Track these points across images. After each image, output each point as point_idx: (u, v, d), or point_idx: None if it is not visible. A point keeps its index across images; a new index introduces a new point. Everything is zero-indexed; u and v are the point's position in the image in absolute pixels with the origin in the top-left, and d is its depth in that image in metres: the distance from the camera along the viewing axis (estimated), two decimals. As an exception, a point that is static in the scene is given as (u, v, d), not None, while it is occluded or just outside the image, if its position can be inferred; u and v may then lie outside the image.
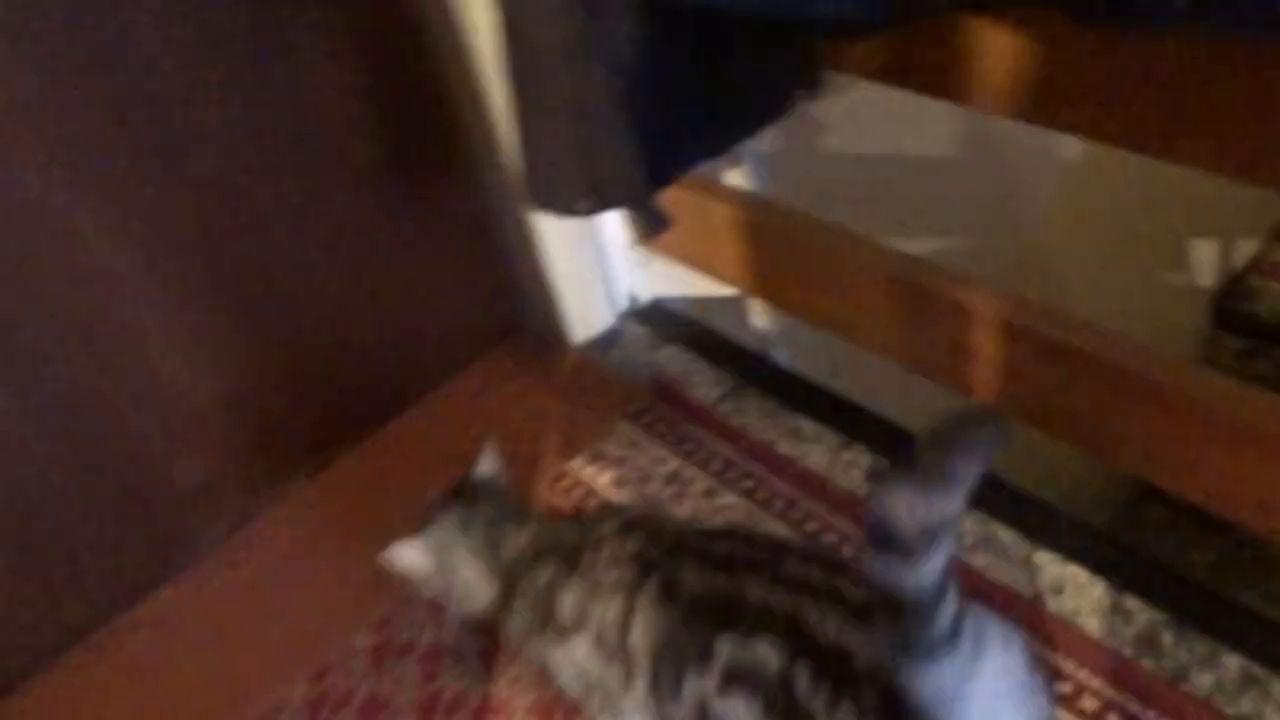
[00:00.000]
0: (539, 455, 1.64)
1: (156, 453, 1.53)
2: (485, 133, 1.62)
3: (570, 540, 1.10)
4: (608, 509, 1.25)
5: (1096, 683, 1.18)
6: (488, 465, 1.26)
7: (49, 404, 1.40)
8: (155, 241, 1.42)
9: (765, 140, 1.51)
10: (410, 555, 1.20)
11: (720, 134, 1.32)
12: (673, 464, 1.57)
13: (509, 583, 1.14)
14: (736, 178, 1.69)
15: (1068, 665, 1.20)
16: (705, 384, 1.69)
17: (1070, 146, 2.38)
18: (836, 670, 0.87)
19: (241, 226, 1.50)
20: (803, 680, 0.88)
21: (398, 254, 1.69)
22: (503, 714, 1.31)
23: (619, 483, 1.56)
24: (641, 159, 1.15)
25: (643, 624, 0.98)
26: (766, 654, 0.90)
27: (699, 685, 0.94)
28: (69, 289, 1.36)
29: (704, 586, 0.96)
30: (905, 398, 1.57)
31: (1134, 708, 1.16)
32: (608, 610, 1.01)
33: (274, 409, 1.63)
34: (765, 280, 1.56)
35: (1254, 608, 1.23)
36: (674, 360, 1.75)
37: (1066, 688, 1.18)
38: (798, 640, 0.89)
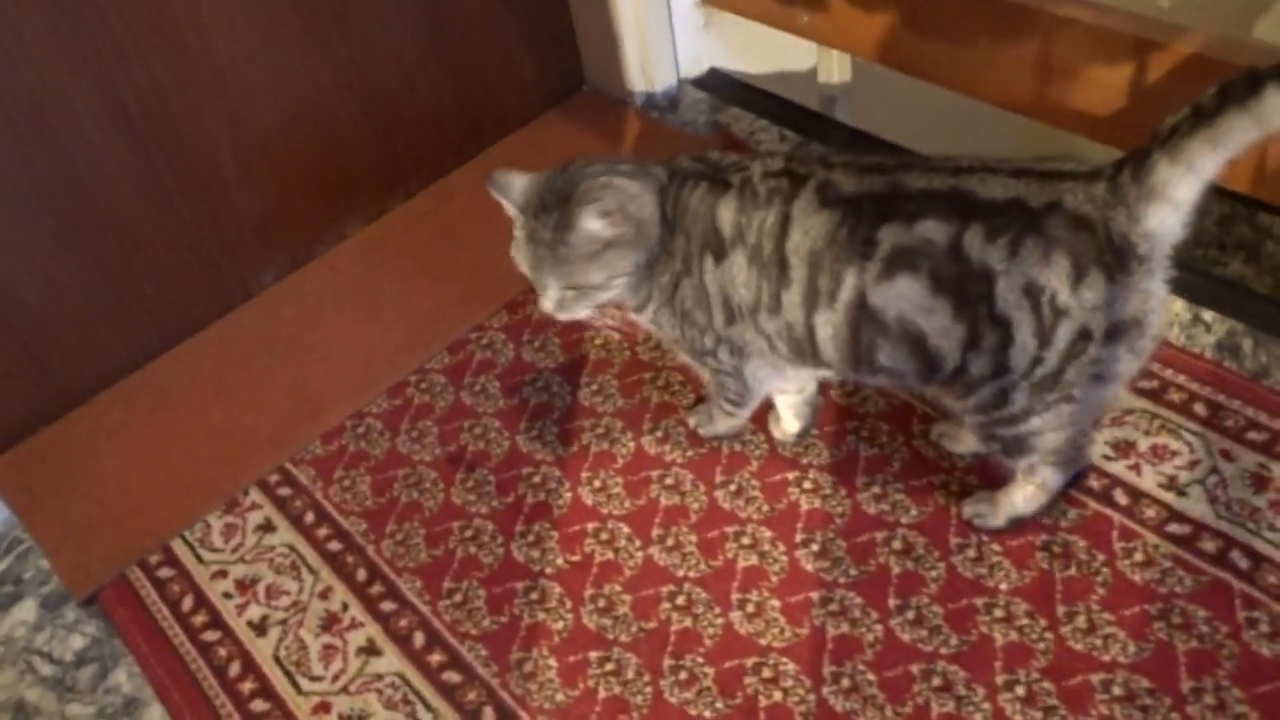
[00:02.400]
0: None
1: (223, 173, 1.50)
2: None
3: (707, 169, 1.08)
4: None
5: (1181, 379, 1.23)
6: None
7: (128, 103, 1.36)
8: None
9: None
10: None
11: None
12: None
13: (670, 220, 1.08)
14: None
15: (1152, 366, 1.24)
16: (771, 140, 1.69)
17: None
18: (1013, 221, 0.91)
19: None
20: (975, 242, 0.91)
21: (470, 4, 1.65)
22: (590, 418, 1.34)
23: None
24: None
25: (800, 229, 0.99)
26: (932, 231, 0.93)
27: (857, 280, 0.96)
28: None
29: (860, 187, 0.98)
30: (966, 144, 1.58)
31: (1219, 399, 1.21)
32: (766, 218, 1.01)
33: (336, 145, 1.61)
34: (850, 30, 1.55)
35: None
36: (737, 121, 1.74)
37: (1153, 384, 1.23)
38: (965, 210, 0.92)
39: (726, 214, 1.03)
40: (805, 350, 1.05)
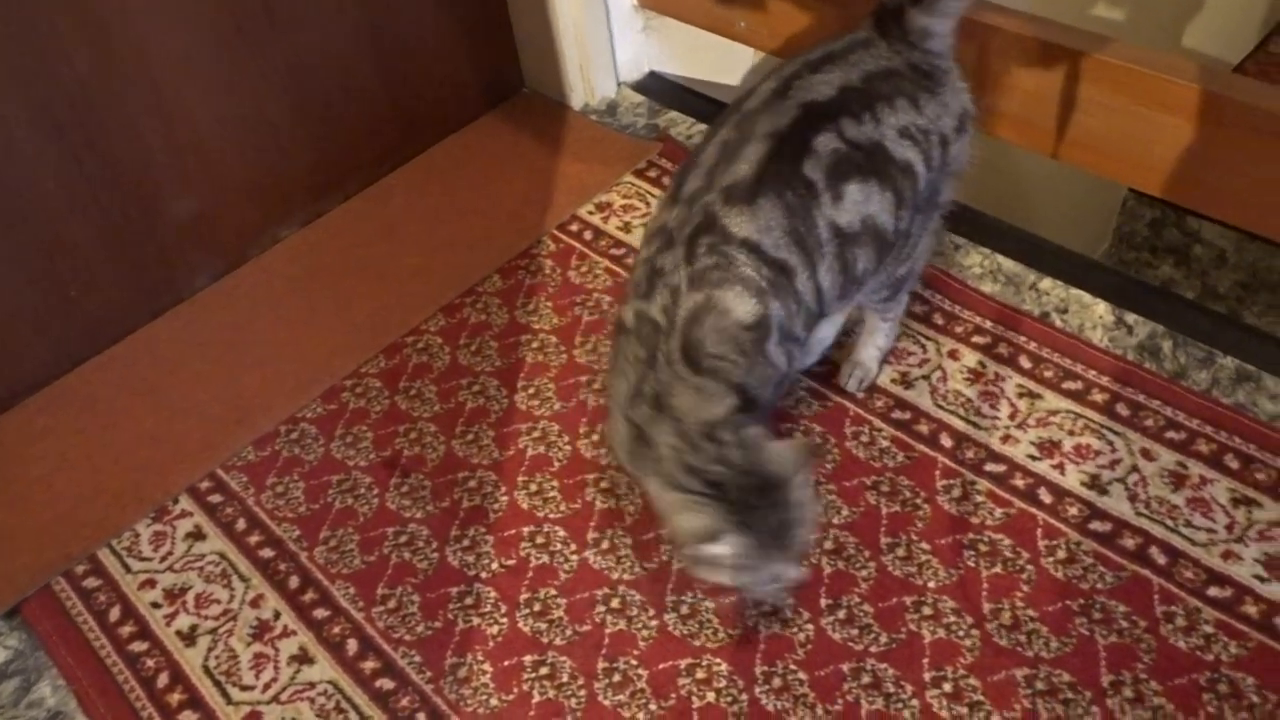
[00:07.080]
0: (547, 205, 1.64)
1: (157, 174, 1.47)
2: None
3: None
4: None
5: (1104, 380, 1.26)
6: None
7: (55, 104, 1.34)
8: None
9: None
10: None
11: None
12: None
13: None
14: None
15: (1076, 368, 1.28)
16: (708, 144, 1.70)
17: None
18: (855, 101, 1.08)
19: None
20: (851, 129, 1.07)
21: (406, 3, 1.64)
22: (527, 421, 1.34)
23: (626, 229, 1.57)
24: None
25: (755, 228, 1.04)
26: (825, 143, 1.06)
27: (821, 216, 1.06)
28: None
29: (740, 161, 1.06)
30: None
31: (1139, 399, 1.24)
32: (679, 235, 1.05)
33: (271, 146, 1.59)
34: (786, 36, 1.57)
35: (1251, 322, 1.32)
36: (676, 124, 1.75)
37: (1077, 385, 1.26)
38: (823, 116, 1.08)
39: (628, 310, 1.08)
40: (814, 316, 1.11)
